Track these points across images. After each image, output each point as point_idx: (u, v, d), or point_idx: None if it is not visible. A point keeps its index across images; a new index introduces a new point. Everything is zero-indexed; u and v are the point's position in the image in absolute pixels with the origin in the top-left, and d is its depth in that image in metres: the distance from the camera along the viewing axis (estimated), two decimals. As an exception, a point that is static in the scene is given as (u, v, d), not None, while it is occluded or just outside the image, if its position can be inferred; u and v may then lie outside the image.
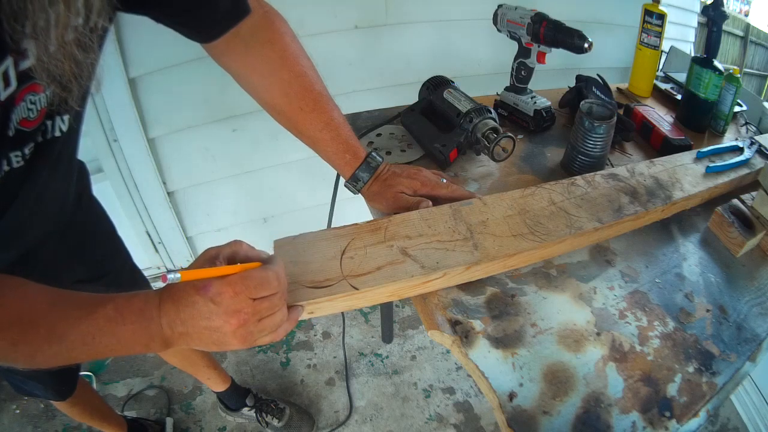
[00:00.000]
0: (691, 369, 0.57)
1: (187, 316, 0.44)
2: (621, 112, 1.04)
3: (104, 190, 1.32)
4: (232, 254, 0.48)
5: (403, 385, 1.51)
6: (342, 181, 0.75)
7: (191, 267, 0.45)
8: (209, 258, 0.46)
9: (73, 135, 0.59)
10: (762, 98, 1.12)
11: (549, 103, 0.98)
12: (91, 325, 0.42)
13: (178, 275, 0.42)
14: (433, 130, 0.88)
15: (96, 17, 0.40)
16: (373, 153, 0.72)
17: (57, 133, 0.53)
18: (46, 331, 0.41)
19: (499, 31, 0.98)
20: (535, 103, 0.97)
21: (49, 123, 0.51)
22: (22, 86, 0.42)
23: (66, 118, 0.53)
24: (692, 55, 1.37)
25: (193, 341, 0.45)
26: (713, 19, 0.97)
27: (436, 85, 0.94)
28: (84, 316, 0.43)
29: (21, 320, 0.41)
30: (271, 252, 0.56)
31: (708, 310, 0.64)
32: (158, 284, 0.45)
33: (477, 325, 0.59)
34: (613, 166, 0.87)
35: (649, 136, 0.98)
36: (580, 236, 0.65)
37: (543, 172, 0.88)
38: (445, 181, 0.73)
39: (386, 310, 1.53)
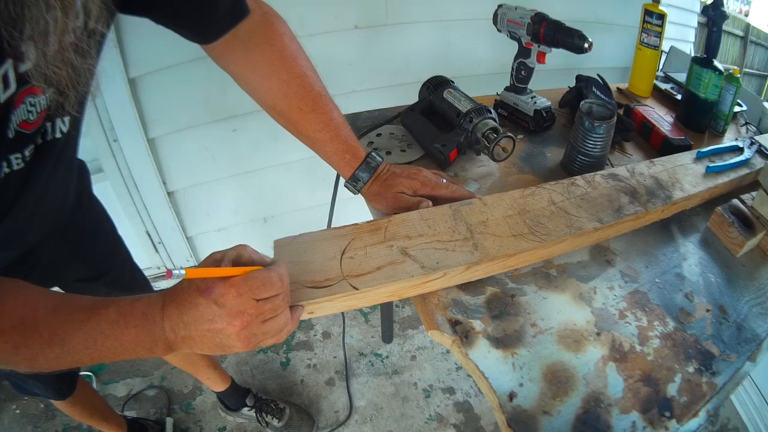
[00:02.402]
0: (691, 369, 0.57)
1: (190, 318, 0.43)
2: (621, 112, 1.04)
3: (104, 190, 1.32)
4: (237, 257, 0.48)
5: (403, 385, 1.51)
6: (342, 181, 0.75)
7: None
8: (214, 261, 0.47)
9: (73, 136, 0.59)
10: (762, 98, 1.12)
11: (549, 103, 0.98)
12: (93, 328, 0.42)
13: (183, 271, 0.42)
14: (433, 130, 0.88)
15: (94, 22, 0.39)
16: (372, 153, 0.72)
17: (57, 135, 0.53)
18: (48, 335, 0.41)
19: (499, 31, 0.98)
20: (535, 103, 0.97)
21: (48, 125, 0.51)
22: (22, 88, 0.42)
23: (66, 119, 0.53)
24: (692, 55, 1.37)
25: (197, 345, 0.45)
26: (713, 19, 0.97)
27: (436, 85, 0.93)
28: (86, 319, 0.42)
29: (23, 324, 0.41)
30: (273, 255, 0.57)
31: (708, 310, 0.64)
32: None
33: (477, 325, 0.59)
34: (613, 166, 0.87)
35: (649, 136, 0.98)
36: (580, 236, 0.65)
37: (543, 172, 0.88)
38: (445, 181, 0.73)
39: (386, 310, 1.53)
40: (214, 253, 0.48)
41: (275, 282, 0.46)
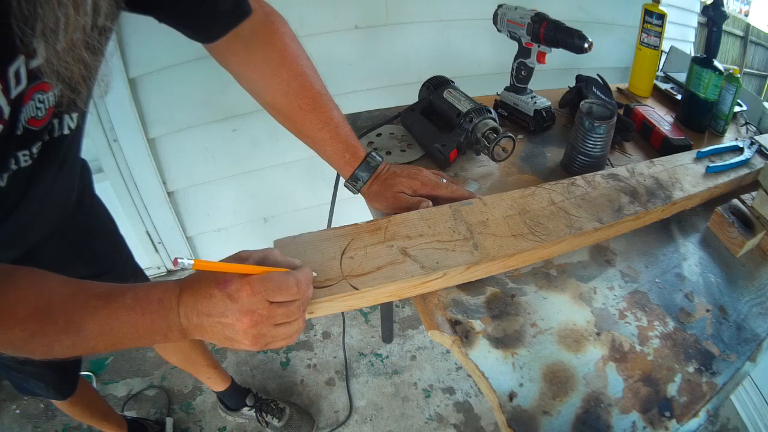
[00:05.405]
0: (691, 369, 0.57)
1: (204, 307, 0.44)
2: (621, 112, 1.04)
3: (104, 190, 1.31)
4: (263, 258, 0.48)
5: (403, 385, 1.51)
6: (342, 180, 0.75)
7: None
8: (239, 259, 0.47)
9: (78, 134, 0.59)
10: (762, 98, 1.12)
11: (549, 103, 0.98)
12: (109, 315, 0.42)
13: (191, 261, 0.42)
14: (433, 130, 0.88)
15: (103, 19, 0.40)
16: (372, 153, 0.72)
17: (65, 131, 0.54)
18: (63, 322, 0.42)
19: (499, 31, 0.98)
20: (535, 103, 0.97)
21: (56, 122, 0.52)
22: (32, 84, 0.42)
23: (74, 116, 0.54)
24: (692, 55, 1.37)
25: (207, 334, 0.45)
26: (713, 19, 0.97)
27: (436, 85, 0.94)
28: (102, 306, 0.43)
29: (39, 312, 0.41)
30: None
31: (708, 310, 0.64)
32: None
33: (477, 325, 0.59)
34: (613, 166, 0.87)
35: (649, 136, 0.98)
36: (580, 236, 0.65)
37: (543, 172, 0.88)
38: (445, 181, 0.73)
39: (386, 310, 1.53)
40: (241, 251, 0.48)
41: (291, 287, 0.45)
